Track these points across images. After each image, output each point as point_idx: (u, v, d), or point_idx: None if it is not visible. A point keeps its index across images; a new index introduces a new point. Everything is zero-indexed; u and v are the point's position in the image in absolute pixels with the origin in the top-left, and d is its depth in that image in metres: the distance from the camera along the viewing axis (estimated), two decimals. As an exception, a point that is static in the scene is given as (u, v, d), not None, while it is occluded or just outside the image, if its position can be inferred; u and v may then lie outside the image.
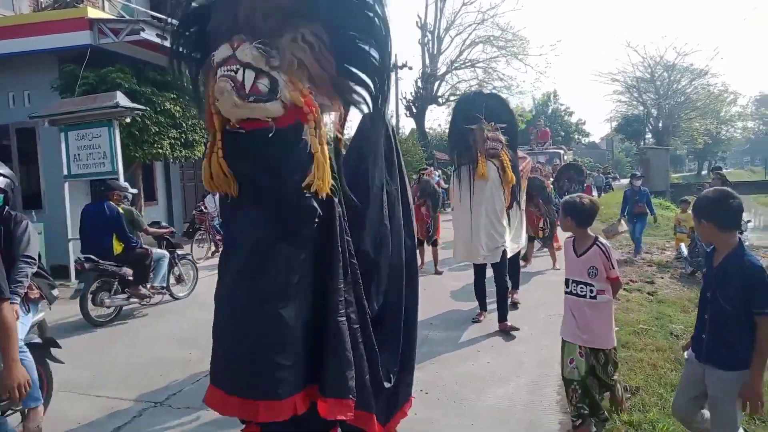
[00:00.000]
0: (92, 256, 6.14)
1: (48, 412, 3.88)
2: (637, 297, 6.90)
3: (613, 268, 3.10)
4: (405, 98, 27.87)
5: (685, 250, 8.67)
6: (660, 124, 46.60)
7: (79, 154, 8.59)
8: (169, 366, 4.77)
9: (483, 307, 5.95)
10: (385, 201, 2.92)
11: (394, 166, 3.05)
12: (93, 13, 9.34)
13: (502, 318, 5.54)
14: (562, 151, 19.73)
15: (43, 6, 11.23)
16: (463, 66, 28.21)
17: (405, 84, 31.74)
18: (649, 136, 49.15)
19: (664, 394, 3.76)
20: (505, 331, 5.42)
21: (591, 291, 3.11)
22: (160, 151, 9.85)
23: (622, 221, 9.30)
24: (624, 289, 7.28)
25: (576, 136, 51.93)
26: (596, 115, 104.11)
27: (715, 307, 2.49)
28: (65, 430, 3.64)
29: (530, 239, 8.70)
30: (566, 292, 3.25)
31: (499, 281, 5.58)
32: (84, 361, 4.93)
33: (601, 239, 3.21)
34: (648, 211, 10.21)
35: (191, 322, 6.09)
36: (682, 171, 66.00)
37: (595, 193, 24.52)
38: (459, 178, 5.52)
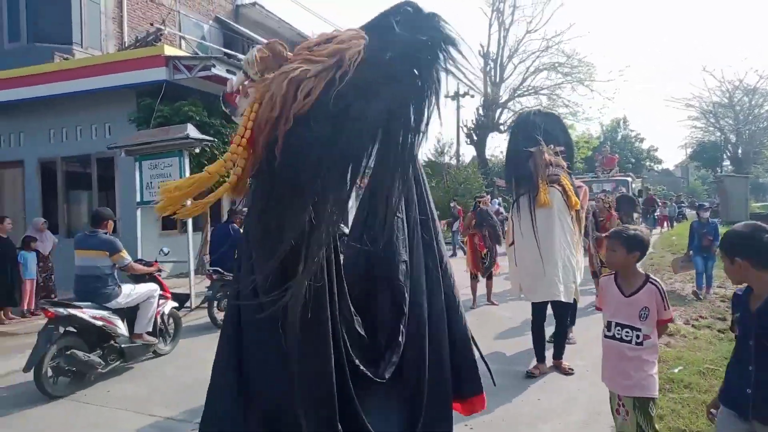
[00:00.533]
0: (218, 269, 7.47)
1: (102, 425, 4.11)
2: (705, 334, 6.49)
3: (668, 308, 2.80)
4: (466, 126, 27.88)
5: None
6: (739, 151, 44.09)
7: (151, 182, 9.14)
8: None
9: (541, 357, 5.16)
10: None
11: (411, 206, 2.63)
12: (169, 50, 10.02)
13: (558, 355, 5.16)
14: (630, 179, 18.26)
15: (126, 45, 12.16)
16: (526, 93, 27.98)
17: (466, 111, 31.99)
18: (727, 163, 46.59)
19: (727, 441, 3.51)
20: (559, 368, 5.10)
21: (637, 336, 2.79)
22: (227, 178, 10.29)
23: (689, 256, 9.09)
24: (692, 325, 6.90)
25: (648, 163, 50.01)
26: (670, 142, 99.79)
27: (763, 355, 2.21)
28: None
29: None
30: (606, 336, 2.91)
31: (562, 324, 5.11)
32: (143, 379, 5.19)
33: (653, 276, 2.92)
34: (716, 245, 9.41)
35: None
36: (766, 200, 61.95)
37: (665, 224, 23.32)
38: (518, 208, 4.97)
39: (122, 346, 5.23)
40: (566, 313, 5.11)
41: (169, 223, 10.91)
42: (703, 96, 43.28)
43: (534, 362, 5.14)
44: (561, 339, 5.18)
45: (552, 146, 5.05)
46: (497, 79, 27.75)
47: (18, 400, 4.80)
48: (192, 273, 8.85)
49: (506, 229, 7.36)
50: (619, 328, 2.85)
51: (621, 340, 2.84)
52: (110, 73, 9.72)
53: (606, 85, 55.23)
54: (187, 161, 8.97)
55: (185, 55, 10.68)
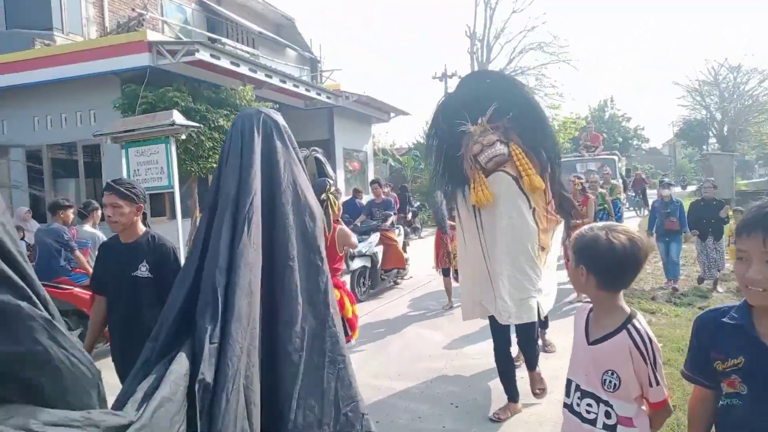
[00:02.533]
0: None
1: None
2: (686, 312, 6.66)
3: (658, 382, 1.67)
4: (454, 107, 27.81)
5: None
6: (725, 129, 44.44)
7: (138, 170, 9.11)
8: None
9: (513, 396, 3.98)
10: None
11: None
12: (152, 36, 9.91)
13: (532, 365, 4.12)
14: (616, 158, 17.13)
15: (108, 31, 12.01)
16: (513, 73, 27.93)
17: (456, 93, 31.73)
18: (713, 141, 46.96)
19: (701, 414, 3.65)
20: (535, 380, 4.11)
21: (607, 415, 1.71)
22: (215, 165, 10.29)
23: (651, 241, 7.61)
24: (674, 303, 7.07)
25: (635, 142, 50.28)
26: (657, 120, 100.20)
27: None
28: None
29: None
30: (566, 406, 1.86)
31: (528, 350, 4.07)
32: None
33: (639, 320, 1.73)
34: (680, 226, 7.89)
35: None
36: (752, 177, 62.60)
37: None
38: (457, 209, 3.99)
39: None
40: (530, 340, 4.04)
41: (158, 210, 10.89)
42: (689, 74, 43.48)
43: (505, 402, 3.97)
44: (530, 348, 4.10)
45: (482, 120, 3.74)
46: (484, 60, 27.68)
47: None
48: (182, 259, 8.87)
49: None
50: (579, 394, 1.80)
51: (582, 418, 1.77)
52: (93, 60, 9.61)
53: (590, 66, 55.22)
54: (173, 148, 8.93)
55: (168, 40, 10.57)
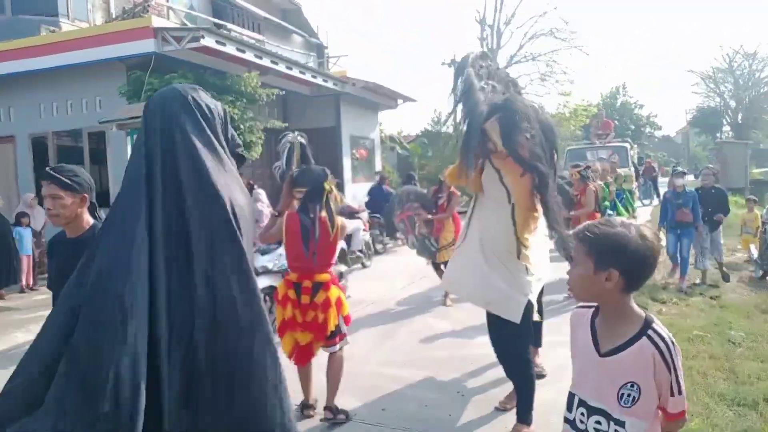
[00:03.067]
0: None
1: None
2: (697, 302, 6.56)
3: (680, 390, 1.54)
4: (464, 95, 27.56)
5: (755, 252, 8.15)
6: (739, 117, 43.78)
7: (144, 156, 9.08)
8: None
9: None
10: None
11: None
12: (157, 22, 9.83)
13: (522, 418, 3.42)
14: (627, 145, 16.27)
15: (114, 17, 11.94)
16: (523, 60, 27.61)
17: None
18: (727, 129, 46.31)
19: (710, 404, 3.59)
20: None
21: None
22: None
23: (661, 234, 7.21)
24: (684, 292, 6.96)
25: (647, 130, 49.67)
26: (670, 107, 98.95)
27: None
28: None
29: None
30: (567, 421, 1.69)
31: (519, 382, 3.50)
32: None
33: (658, 323, 1.57)
34: (693, 218, 7.29)
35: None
36: (767, 166, 61.76)
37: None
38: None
39: None
40: (514, 351, 3.51)
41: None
42: (704, 61, 42.82)
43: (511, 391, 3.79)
44: (520, 378, 3.52)
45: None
46: (494, 46, 27.33)
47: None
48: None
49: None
50: (583, 410, 1.63)
51: None
52: (98, 46, 9.55)
53: (603, 53, 54.47)
54: (179, 135, 8.86)
55: (174, 26, 10.49)
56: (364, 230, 9.41)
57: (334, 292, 3.63)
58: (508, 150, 3.19)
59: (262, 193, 10.97)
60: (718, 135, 46.17)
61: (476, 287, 3.48)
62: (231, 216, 1.74)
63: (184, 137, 1.80)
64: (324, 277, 3.61)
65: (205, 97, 1.94)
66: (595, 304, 1.65)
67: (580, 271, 1.57)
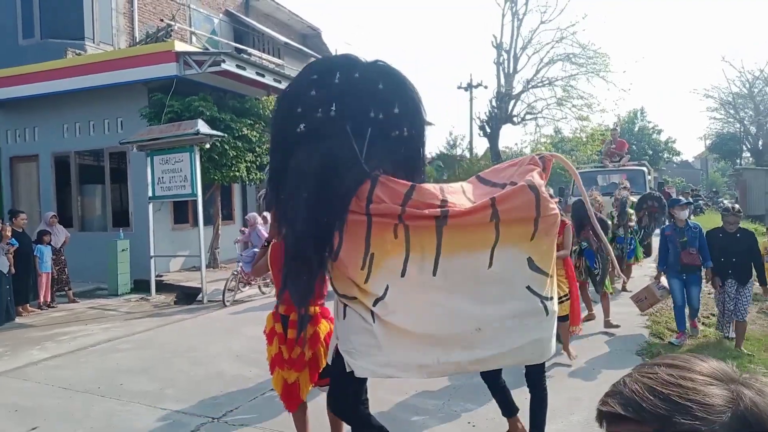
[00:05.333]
0: None
1: (116, 421, 4.20)
2: (714, 333, 6.42)
3: None
4: (479, 118, 27.67)
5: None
6: (760, 143, 43.28)
7: (162, 177, 9.23)
8: (228, 381, 5.00)
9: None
10: None
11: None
12: (180, 46, 10.07)
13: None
14: (645, 169, 14.33)
15: (138, 40, 12.25)
16: (540, 84, 27.68)
17: (479, 104, 31.61)
18: (747, 155, 45.77)
19: None
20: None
21: None
22: (237, 173, 10.39)
23: (662, 280, 6.26)
24: (703, 323, 6.82)
25: (666, 155, 49.29)
26: (689, 133, 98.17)
27: None
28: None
29: None
30: None
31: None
32: (156, 373, 5.29)
33: None
34: (701, 261, 5.90)
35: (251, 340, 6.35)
36: (788, 192, 60.85)
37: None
38: None
39: None
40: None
41: (181, 217, 11.01)
42: (722, 86, 42.59)
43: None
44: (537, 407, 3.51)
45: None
46: (510, 71, 27.45)
47: (33, 391, 4.91)
48: (203, 267, 8.95)
49: None
50: None
51: None
52: (122, 69, 9.81)
53: (622, 77, 54.53)
54: (197, 156, 9.04)
55: (195, 50, 10.73)
56: None
57: (324, 327, 3.36)
58: None
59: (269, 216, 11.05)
60: (737, 161, 45.66)
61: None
62: None
63: None
64: (313, 309, 3.31)
65: None
66: None
67: None
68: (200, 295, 8.80)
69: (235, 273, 8.73)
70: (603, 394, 0.74)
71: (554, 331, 3.05)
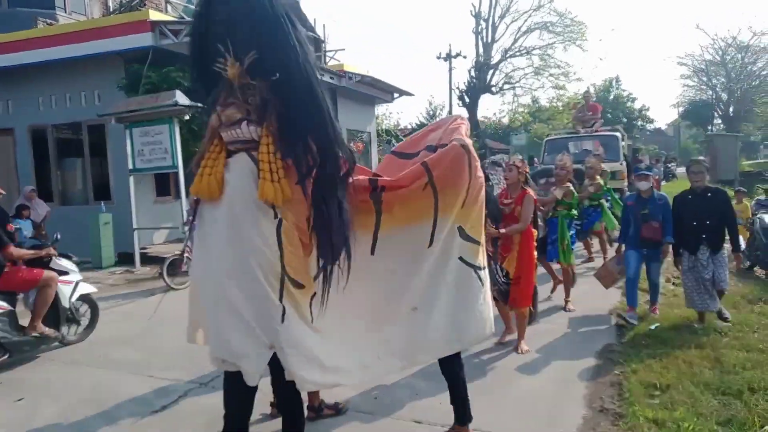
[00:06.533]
0: None
1: (102, 386, 4.31)
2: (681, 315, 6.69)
3: None
4: (458, 88, 27.69)
5: (742, 244, 8.32)
6: (731, 109, 44.13)
7: (143, 150, 9.17)
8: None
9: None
10: None
11: None
12: (154, 15, 9.88)
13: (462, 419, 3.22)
14: (618, 134, 13.18)
15: (111, 10, 11.96)
16: (518, 54, 27.74)
17: (458, 74, 31.56)
18: (718, 121, 46.68)
19: (695, 393, 3.72)
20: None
21: None
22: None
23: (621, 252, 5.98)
24: (672, 283, 7.12)
25: (639, 123, 49.92)
26: (662, 101, 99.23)
27: None
28: (116, 403, 3.98)
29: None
30: None
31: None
32: (141, 343, 5.40)
33: None
34: (663, 235, 5.32)
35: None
36: (757, 158, 62.31)
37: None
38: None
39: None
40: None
41: (163, 190, 10.95)
42: (695, 54, 43.11)
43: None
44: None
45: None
46: (489, 40, 27.44)
47: (16, 364, 4.92)
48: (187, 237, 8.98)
49: None
50: None
51: None
52: (96, 39, 9.59)
53: (598, 45, 54.66)
54: (177, 128, 8.96)
55: (171, 19, 10.53)
56: None
57: None
58: None
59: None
60: (709, 127, 46.53)
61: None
62: None
63: None
64: None
65: None
66: None
67: None
68: (184, 266, 8.83)
69: None
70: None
71: (490, 303, 2.96)
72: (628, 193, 6.29)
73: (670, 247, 5.38)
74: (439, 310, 2.72)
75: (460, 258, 2.78)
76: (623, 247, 5.90)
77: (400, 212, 2.59)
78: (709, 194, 5.28)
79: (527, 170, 4.96)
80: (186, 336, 2.85)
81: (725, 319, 5.24)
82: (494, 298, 4.09)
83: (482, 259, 2.88)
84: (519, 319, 4.84)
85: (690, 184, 5.41)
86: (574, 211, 6.47)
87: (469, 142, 2.79)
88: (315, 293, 2.43)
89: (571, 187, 6.28)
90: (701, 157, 5.79)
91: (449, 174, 2.65)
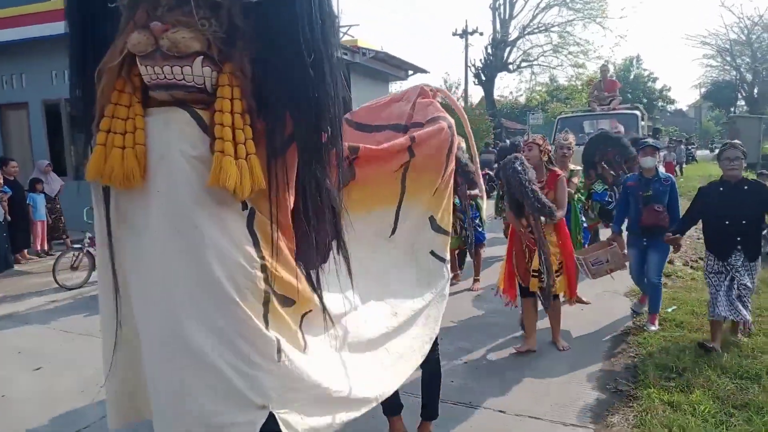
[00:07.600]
0: None
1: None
2: (702, 276, 6.58)
3: None
4: (474, 65, 27.26)
5: (764, 227, 8.13)
6: (755, 90, 43.03)
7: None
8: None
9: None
10: None
11: None
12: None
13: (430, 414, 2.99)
14: (638, 113, 12.17)
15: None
16: (536, 30, 27.19)
17: (474, 51, 30.85)
18: (742, 103, 45.60)
19: (712, 377, 3.65)
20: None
21: None
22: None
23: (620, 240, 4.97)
24: (690, 266, 7.00)
25: (660, 104, 49.01)
26: (683, 81, 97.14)
27: None
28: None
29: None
30: None
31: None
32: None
33: None
34: (667, 221, 4.51)
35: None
36: (780, 141, 61.10)
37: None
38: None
39: None
40: None
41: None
42: (720, 33, 41.96)
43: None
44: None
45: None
46: (506, 16, 26.91)
47: (34, 334, 5.02)
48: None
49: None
50: None
51: None
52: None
53: (619, 23, 53.49)
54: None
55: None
56: None
57: None
58: None
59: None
60: (732, 109, 45.51)
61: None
62: None
63: None
64: None
65: None
66: None
67: None
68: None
69: None
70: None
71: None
72: (630, 174, 5.34)
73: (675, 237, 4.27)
74: (416, 313, 2.40)
75: (432, 252, 2.50)
76: (618, 237, 4.96)
77: (359, 194, 2.15)
78: (746, 187, 4.08)
79: (549, 149, 4.45)
80: (108, 419, 1.81)
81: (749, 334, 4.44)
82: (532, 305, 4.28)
83: (447, 250, 2.62)
84: (554, 313, 4.40)
85: (722, 174, 4.18)
86: (581, 195, 5.91)
87: (451, 121, 2.52)
88: (310, 310, 1.78)
89: (579, 168, 5.78)
90: (737, 141, 4.32)
91: (430, 161, 2.35)
